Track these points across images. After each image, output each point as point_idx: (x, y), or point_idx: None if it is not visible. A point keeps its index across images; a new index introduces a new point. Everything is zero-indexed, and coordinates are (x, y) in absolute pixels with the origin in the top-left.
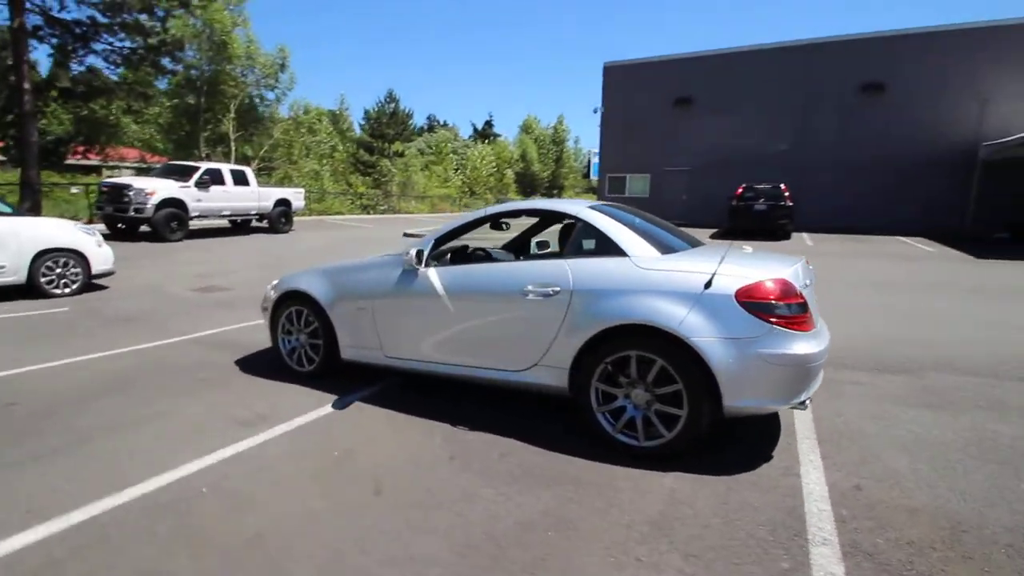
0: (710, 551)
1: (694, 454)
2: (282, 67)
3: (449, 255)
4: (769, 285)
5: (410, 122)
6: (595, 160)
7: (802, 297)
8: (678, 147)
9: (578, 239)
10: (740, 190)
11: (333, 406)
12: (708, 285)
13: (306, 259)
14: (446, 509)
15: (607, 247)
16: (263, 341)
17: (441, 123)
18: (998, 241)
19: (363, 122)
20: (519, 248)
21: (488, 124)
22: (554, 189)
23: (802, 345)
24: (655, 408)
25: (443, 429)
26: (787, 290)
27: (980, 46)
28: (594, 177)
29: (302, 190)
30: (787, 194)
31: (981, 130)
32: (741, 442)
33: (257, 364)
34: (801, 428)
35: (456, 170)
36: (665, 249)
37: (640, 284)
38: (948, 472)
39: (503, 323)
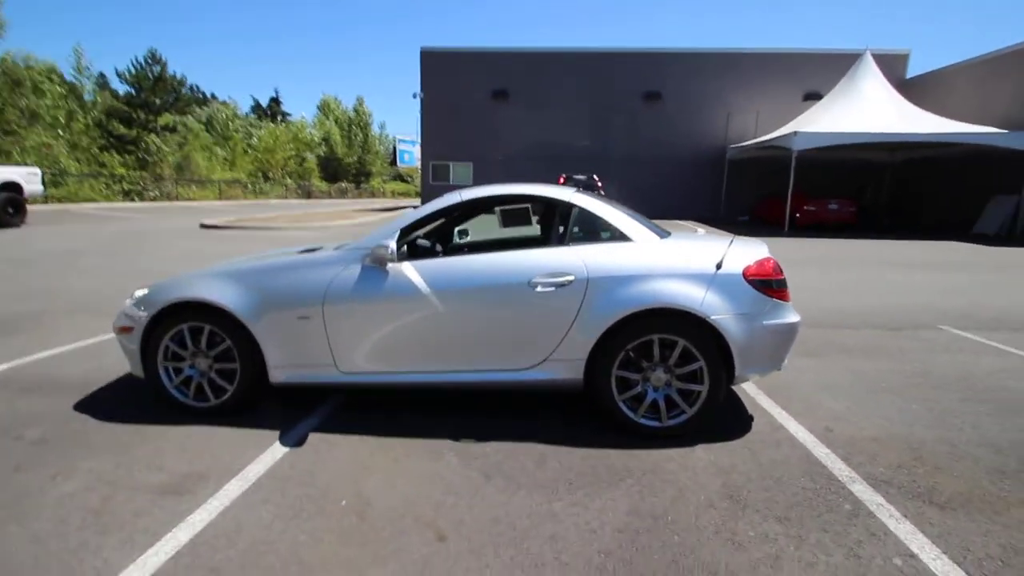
0: (790, 510)
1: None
2: None
3: (406, 248)
4: (769, 264)
5: (184, 90)
6: (401, 147)
7: (784, 273)
8: (499, 137)
9: (576, 226)
10: (561, 179)
11: (284, 443)
12: (719, 266)
13: (56, 265)
14: (533, 537)
15: (610, 233)
16: (96, 371)
17: (209, 96)
18: (742, 223)
19: (120, 89)
20: (440, 238)
21: (275, 101)
22: (361, 176)
23: (791, 315)
24: (676, 387)
25: (448, 446)
26: (777, 267)
27: (726, 69)
28: (402, 164)
29: (37, 170)
30: (600, 184)
31: (728, 136)
32: (715, 408)
33: (115, 406)
34: (746, 387)
35: (246, 152)
36: (659, 234)
37: (654, 268)
38: (866, 406)
39: (506, 319)
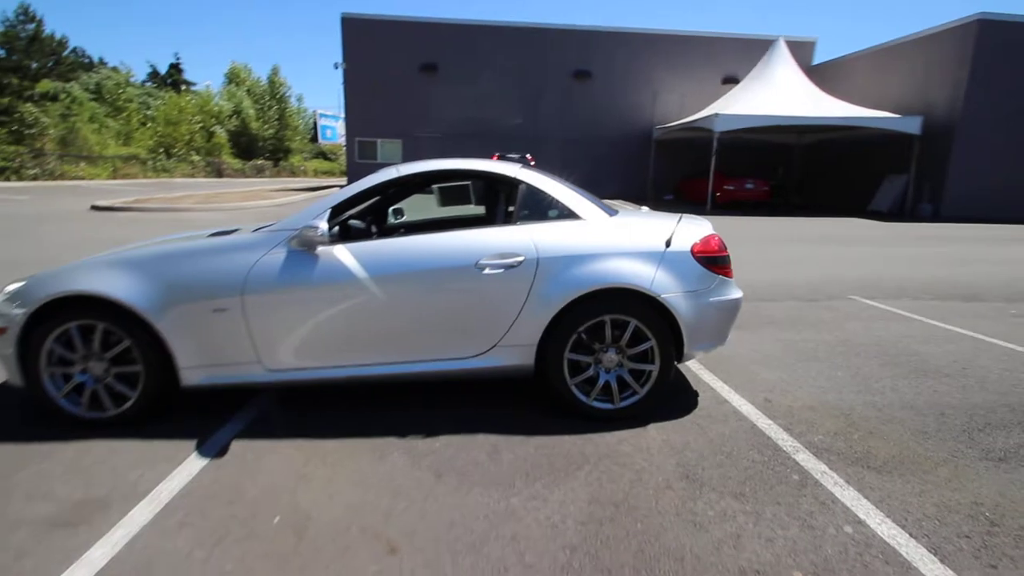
0: (743, 484)
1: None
2: None
3: (338, 230)
4: (714, 240)
5: (66, 53)
6: (323, 123)
7: (728, 250)
8: (428, 113)
9: (525, 203)
10: (495, 157)
11: (202, 455)
12: (668, 244)
13: None
14: (493, 539)
15: (559, 211)
16: None
17: (98, 61)
18: (668, 201)
19: None
20: (374, 219)
21: (176, 68)
22: (279, 153)
23: (735, 291)
24: (628, 368)
25: (394, 445)
26: (722, 244)
27: (651, 50)
28: (324, 141)
29: None
30: (533, 163)
31: (654, 116)
32: (664, 387)
33: None
34: (689, 363)
35: (144, 124)
36: (608, 212)
37: (605, 247)
38: (798, 375)
39: (452, 305)
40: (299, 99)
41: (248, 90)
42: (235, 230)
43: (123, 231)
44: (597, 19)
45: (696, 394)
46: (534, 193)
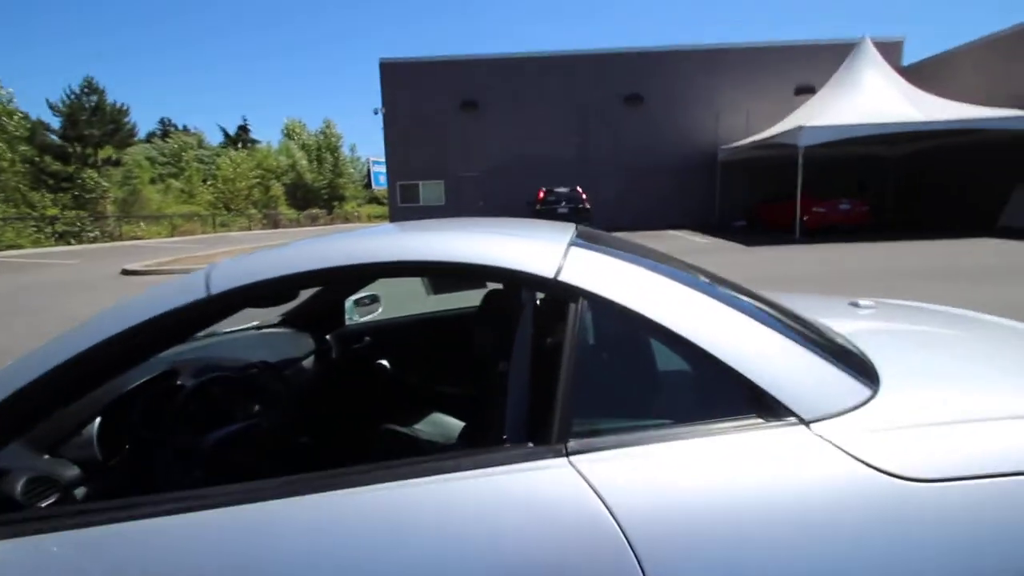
0: None
1: None
2: None
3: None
4: None
5: (126, 120)
6: (375, 169)
7: None
8: (470, 151)
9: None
10: (541, 194)
11: None
12: None
13: None
14: None
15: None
16: None
17: (180, 128)
18: (739, 228)
19: (55, 122)
20: (319, 318)
21: (243, 129)
22: (333, 200)
23: None
24: None
25: None
26: None
27: (711, 67)
28: (376, 187)
29: None
30: (584, 196)
31: (717, 137)
32: None
33: None
34: None
35: (205, 182)
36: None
37: None
38: None
39: None
40: (352, 148)
41: (303, 144)
42: None
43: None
44: (645, 40)
45: None
46: (614, 315)
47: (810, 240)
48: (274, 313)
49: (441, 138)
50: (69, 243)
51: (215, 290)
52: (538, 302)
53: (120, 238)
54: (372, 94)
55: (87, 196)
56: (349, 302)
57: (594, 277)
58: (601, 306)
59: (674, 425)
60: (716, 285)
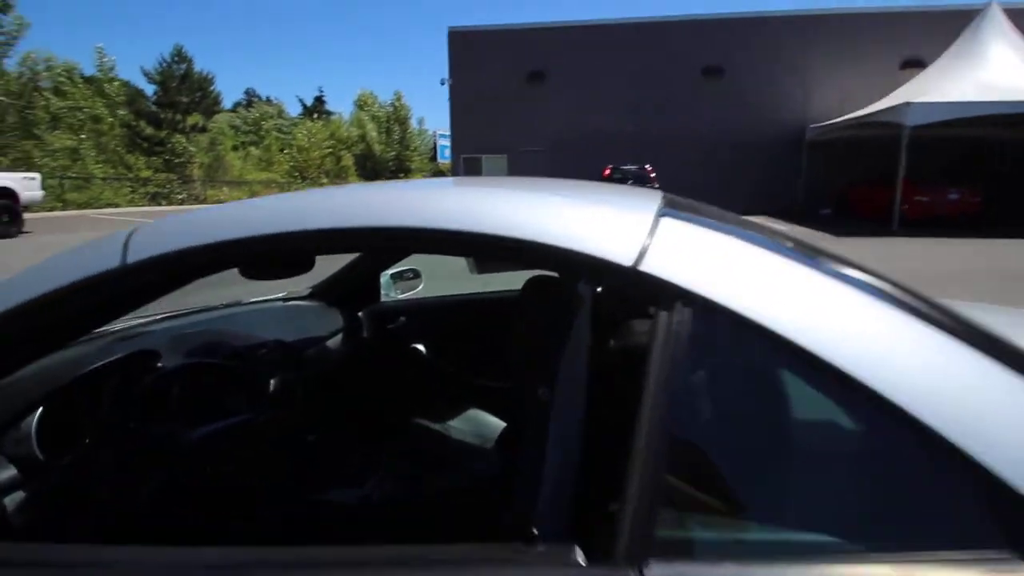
0: None
1: None
2: (3, 7)
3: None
4: None
5: (211, 88)
6: (441, 143)
7: None
8: (534, 125)
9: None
10: (607, 171)
11: None
12: None
13: None
14: None
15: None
16: None
17: (263, 98)
18: (824, 216)
19: (148, 89)
20: (352, 292)
21: (319, 100)
22: (400, 172)
23: None
24: None
25: None
26: None
27: (802, 34)
28: (441, 160)
29: (37, 175)
30: (653, 175)
31: (806, 114)
32: None
33: None
34: None
35: (283, 151)
36: None
37: None
38: None
39: None
40: (420, 121)
41: (374, 116)
42: None
43: None
44: (728, 6)
45: None
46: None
47: (911, 232)
48: (302, 283)
49: (506, 110)
50: (160, 204)
51: (133, 258)
52: (604, 302)
53: (205, 201)
54: (435, 66)
55: (176, 160)
56: (386, 276)
57: (703, 268)
58: (715, 319)
59: (847, 552)
60: (907, 296)
